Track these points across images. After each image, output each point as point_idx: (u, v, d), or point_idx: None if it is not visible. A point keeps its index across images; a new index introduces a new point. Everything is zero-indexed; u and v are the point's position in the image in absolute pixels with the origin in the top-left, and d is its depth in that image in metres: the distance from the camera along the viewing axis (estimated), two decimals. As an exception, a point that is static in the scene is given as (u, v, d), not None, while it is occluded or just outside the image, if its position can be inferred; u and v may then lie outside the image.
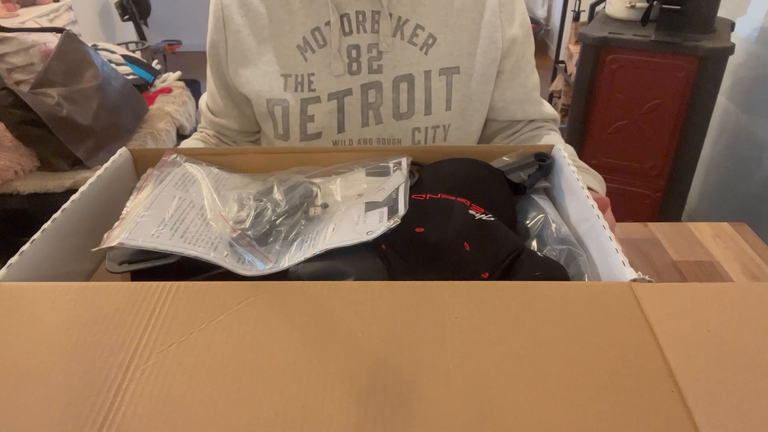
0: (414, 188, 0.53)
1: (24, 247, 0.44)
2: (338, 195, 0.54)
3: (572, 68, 2.52)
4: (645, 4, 1.66)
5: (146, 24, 3.10)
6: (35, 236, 0.45)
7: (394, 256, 0.47)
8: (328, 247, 0.44)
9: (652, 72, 1.64)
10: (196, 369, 0.33)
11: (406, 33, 0.71)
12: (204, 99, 0.84)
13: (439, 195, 0.52)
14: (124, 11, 2.92)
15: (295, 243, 0.48)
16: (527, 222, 0.56)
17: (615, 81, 1.70)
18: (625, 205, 1.84)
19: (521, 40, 0.75)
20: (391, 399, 0.32)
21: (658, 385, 0.32)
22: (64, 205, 0.50)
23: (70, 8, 2.40)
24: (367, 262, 0.45)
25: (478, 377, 0.33)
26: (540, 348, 0.34)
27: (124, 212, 0.47)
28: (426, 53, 0.71)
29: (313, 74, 0.71)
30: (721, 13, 1.65)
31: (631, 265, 0.40)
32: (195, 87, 2.30)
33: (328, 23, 0.70)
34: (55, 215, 0.48)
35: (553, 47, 3.40)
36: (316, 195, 0.54)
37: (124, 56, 2.08)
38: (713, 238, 0.89)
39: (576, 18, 2.81)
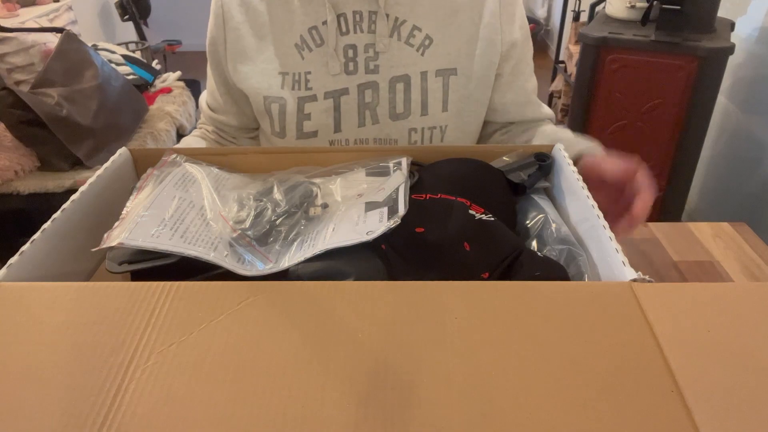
0: (414, 188, 0.53)
1: (24, 247, 0.44)
2: (338, 195, 0.54)
3: (572, 68, 2.52)
4: (645, 4, 1.66)
5: (146, 24, 3.10)
6: (35, 236, 0.45)
7: (394, 256, 0.47)
8: (328, 247, 0.44)
9: (652, 72, 1.64)
10: (196, 369, 0.33)
11: (402, 34, 0.71)
12: (204, 96, 0.85)
13: (439, 195, 0.52)
14: (124, 11, 2.92)
15: (295, 243, 0.48)
16: (527, 222, 0.56)
17: (615, 81, 1.70)
18: (625, 205, 1.84)
19: (521, 42, 0.75)
20: (391, 399, 0.32)
21: (658, 385, 0.32)
22: (64, 205, 0.50)
23: (70, 8, 2.40)
24: (367, 262, 0.45)
25: (478, 377, 0.33)
26: (540, 348, 0.34)
27: (124, 212, 0.47)
28: (422, 54, 0.71)
29: (309, 72, 0.71)
30: (721, 13, 1.65)
31: (631, 265, 0.40)
32: (195, 87, 2.30)
33: (325, 22, 0.70)
34: (55, 215, 0.48)
35: (553, 47, 3.41)
36: (316, 195, 0.54)
37: (124, 56, 2.08)
38: (713, 238, 0.89)
39: (576, 18, 2.81)
